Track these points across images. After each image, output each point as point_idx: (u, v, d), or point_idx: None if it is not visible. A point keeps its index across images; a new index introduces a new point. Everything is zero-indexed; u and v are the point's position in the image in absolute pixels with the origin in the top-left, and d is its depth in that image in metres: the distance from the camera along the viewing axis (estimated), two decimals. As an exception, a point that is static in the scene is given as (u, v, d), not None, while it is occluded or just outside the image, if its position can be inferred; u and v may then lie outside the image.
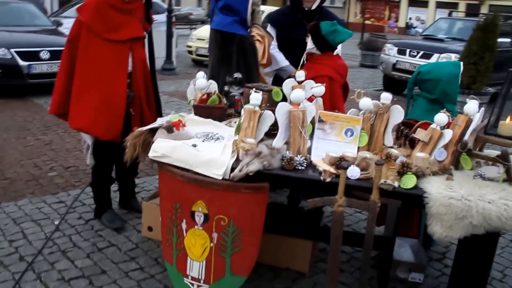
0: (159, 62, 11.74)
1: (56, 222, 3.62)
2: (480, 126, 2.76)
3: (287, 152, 2.52)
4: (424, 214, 2.39)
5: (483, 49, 7.45)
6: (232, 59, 3.56)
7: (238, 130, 2.64)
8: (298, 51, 3.60)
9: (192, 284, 2.65)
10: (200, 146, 2.61)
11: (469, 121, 2.56)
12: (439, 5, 35.07)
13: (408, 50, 9.88)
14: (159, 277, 3.00)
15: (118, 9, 3.20)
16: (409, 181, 2.33)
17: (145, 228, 3.48)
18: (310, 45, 3.36)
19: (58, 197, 4.13)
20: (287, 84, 3.01)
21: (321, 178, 2.38)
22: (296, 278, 3.09)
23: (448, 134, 2.54)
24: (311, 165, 2.51)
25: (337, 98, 3.29)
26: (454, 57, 8.46)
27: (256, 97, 2.58)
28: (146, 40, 3.57)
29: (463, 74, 7.76)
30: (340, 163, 2.37)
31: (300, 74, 3.07)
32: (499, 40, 9.41)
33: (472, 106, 2.59)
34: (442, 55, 9.06)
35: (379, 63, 11.04)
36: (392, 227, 2.93)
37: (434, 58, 9.01)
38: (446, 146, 2.52)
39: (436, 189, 2.30)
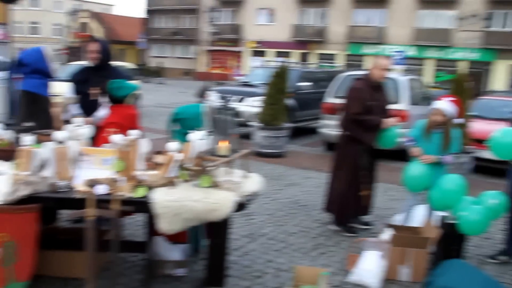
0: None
1: None
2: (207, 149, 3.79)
3: (55, 179, 3.31)
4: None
5: (278, 92, 8.96)
6: (36, 113, 4.33)
7: (17, 166, 3.37)
8: (88, 100, 4.52)
9: (-15, 292, 3.27)
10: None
11: (191, 146, 3.59)
12: (277, 55, 38.81)
13: (225, 96, 11.27)
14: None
15: None
16: (139, 192, 3.25)
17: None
18: (104, 98, 4.29)
19: None
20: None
21: (74, 196, 3.21)
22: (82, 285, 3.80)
23: (179, 156, 3.53)
24: (73, 188, 3.33)
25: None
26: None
27: (28, 139, 3.35)
28: None
29: (265, 113, 9.23)
30: (90, 183, 3.22)
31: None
32: (301, 84, 11.24)
33: (194, 136, 3.63)
34: (252, 98, 10.62)
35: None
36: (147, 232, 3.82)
37: (246, 101, 10.48)
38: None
39: (159, 195, 3.24)
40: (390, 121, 5.00)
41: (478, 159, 8.55)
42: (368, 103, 5.03)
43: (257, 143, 9.18)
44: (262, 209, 5.87)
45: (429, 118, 4.66)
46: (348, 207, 5.22)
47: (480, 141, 8.64)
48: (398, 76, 10.05)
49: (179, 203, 3.21)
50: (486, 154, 8.77)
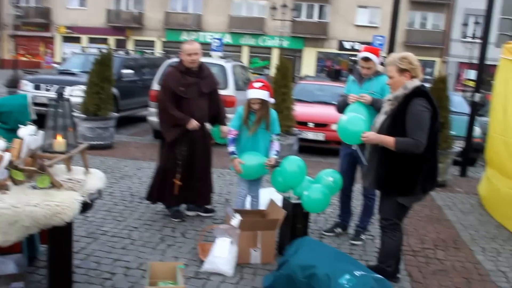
0: None
1: None
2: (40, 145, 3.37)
3: None
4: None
5: (102, 80, 8.47)
6: None
7: None
8: None
9: None
10: None
11: (22, 143, 3.14)
12: (92, 41, 36.82)
13: (43, 85, 10.31)
14: None
15: None
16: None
17: None
18: None
19: None
20: None
21: None
22: None
23: (8, 156, 3.06)
24: None
25: None
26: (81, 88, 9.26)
27: None
28: None
29: (88, 102, 8.71)
30: None
31: None
32: (124, 71, 10.81)
33: (23, 131, 3.19)
34: (73, 87, 9.88)
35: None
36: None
37: (67, 91, 9.67)
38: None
39: (-12, 203, 2.78)
40: (195, 123, 4.90)
41: (301, 140, 9.16)
42: (180, 88, 4.93)
43: (82, 135, 8.57)
44: (98, 205, 5.47)
45: (246, 107, 4.62)
46: (168, 194, 5.15)
47: (302, 123, 9.28)
48: (223, 62, 10.24)
49: (14, 210, 2.79)
50: (309, 135, 9.49)
